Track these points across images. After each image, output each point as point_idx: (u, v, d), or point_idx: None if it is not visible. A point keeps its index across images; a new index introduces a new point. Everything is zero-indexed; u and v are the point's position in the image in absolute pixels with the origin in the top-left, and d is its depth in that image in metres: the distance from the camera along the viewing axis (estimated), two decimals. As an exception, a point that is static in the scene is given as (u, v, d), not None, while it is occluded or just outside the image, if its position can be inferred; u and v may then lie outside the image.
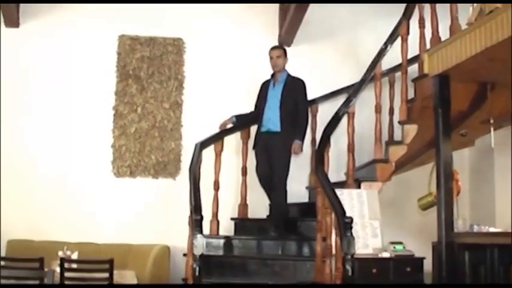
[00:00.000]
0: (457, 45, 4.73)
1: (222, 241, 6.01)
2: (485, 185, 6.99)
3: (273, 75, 6.35)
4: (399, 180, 6.71)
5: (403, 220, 6.91)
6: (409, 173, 6.94)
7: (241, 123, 6.42)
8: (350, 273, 4.41)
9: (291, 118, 6.08)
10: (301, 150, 6.10)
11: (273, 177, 6.03)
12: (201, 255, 4.46)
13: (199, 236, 4.46)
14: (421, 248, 5.67)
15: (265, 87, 6.35)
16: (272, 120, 6.11)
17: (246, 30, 7.41)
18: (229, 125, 6.36)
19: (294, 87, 6.22)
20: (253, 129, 6.41)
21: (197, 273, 4.44)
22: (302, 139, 6.11)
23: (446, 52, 4.85)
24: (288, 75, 6.32)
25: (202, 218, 4.60)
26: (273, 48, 6.39)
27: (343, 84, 6.94)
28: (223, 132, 6.32)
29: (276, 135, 6.07)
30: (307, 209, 6.41)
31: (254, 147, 6.27)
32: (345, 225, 4.51)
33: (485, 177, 7.01)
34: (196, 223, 4.55)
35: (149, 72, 7.19)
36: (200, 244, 4.44)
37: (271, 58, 6.31)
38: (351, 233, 4.48)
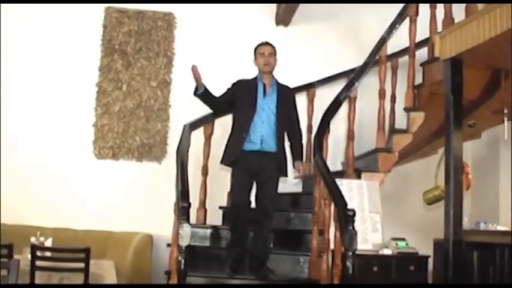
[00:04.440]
0: (473, 26, 4.42)
1: (209, 231, 5.62)
2: (489, 180, 6.65)
3: (257, 78, 5.23)
4: (398, 172, 6.35)
5: (402, 215, 6.56)
6: (408, 165, 6.61)
7: (204, 98, 5.23)
8: (350, 271, 4.00)
9: (283, 136, 5.21)
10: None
11: (259, 209, 5.07)
12: (187, 247, 4.03)
13: (185, 225, 4.02)
14: (421, 245, 5.36)
15: (248, 90, 5.16)
16: (266, 138, 5.04)
17: (241, 6, 6.94)
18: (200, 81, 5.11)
19: (288, 97, 5.23)
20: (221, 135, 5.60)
21: (182, 267, 4.02)
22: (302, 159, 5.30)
23: (461, 34, 4.55)
24: (277, 81, 5.26)
25: (189, 205, 4.16)
26: (266, 43, 5.23)
27: (342, 68, 6.58)
28: (213, 115, 5.65)
29: (269, 157, 5.05)
30: (301, 200, 6.07)
31: (232, 165, 5.16)
32: (346, 218, 4.09)
33: (489, 172, 6.66)
34: (183, 211, 4.10)
35: (136, 48, 6.75)
36: (187, 234, 3.99)
37: (261, 55, 5.16)
38: (353, 227, 4.05)
